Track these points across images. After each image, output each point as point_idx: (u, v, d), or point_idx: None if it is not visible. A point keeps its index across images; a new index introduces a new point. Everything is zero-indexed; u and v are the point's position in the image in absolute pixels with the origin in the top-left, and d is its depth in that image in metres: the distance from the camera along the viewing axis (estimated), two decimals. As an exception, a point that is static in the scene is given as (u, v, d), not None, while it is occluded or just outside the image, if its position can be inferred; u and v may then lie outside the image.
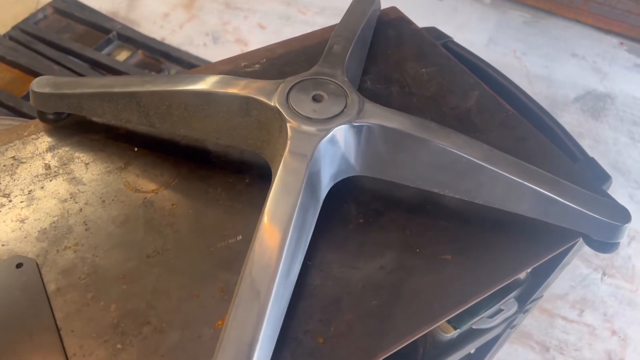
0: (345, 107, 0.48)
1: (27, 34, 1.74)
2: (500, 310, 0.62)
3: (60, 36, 1.75)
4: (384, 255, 0.49)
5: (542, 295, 0.67)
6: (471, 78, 0.66)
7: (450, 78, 0.66)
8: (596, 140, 1.74)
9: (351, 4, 0.67)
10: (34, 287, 0.45)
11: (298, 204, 0.43)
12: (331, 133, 0.47)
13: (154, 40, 1.79)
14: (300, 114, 0.47)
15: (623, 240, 0.53)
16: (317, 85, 0.50)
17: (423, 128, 0.48)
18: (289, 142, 0.46)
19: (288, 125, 0.47)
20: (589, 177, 0.58)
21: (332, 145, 0.47)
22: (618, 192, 1.61)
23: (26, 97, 1.56)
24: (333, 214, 0.51)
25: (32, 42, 1.71)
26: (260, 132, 0.50)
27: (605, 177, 0.59)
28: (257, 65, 0.65)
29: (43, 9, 1.82)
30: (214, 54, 1.82)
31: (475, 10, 2.11)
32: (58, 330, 0.43)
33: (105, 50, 1.76)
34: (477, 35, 2.00)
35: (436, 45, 0.69)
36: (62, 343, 0.42)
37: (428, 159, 0.48)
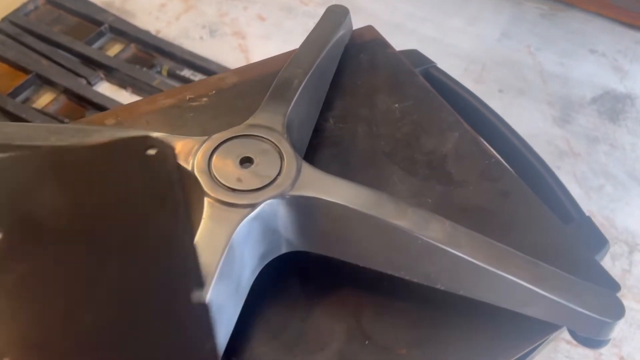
0: (278, 174, 0.40)
1: (16, 26, 1.67)
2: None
3: (50, 29, 1.68)
4: (325, 348, 0.42)
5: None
6: (452, 115, 0.57)
7: (427, 115, 0.57)
8: (613, 145, 1.62)
9: (315, 25, 0.58)
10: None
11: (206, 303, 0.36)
12: (257, 209, 0.38)
13: (147, 33, 1.71)
14: (222, 184, 0.39)
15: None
16: (247, 144, 0.42)
17: (371, 202, 0.40)
18: (202, 220, 0.38)
19: (205, 198, 0.39)
20: (582, 242, 0.49)
21: (260, 222, 0.39)
22: (634, 202, 1.51)
23: (12, 94, 1.49)
24: (268, 293, 0.43)
25: (22, 35, 1.64)
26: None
27: (601, 242, 0.50)
28: (204, 99, 0.57)
29: (34, -1, 1.75)
30: (210, 48, 1.73)
31: (488, 1, 1.98)
32: None
33: (97, 44, 1.68)
34: (488, 28, 1.88)
35: (414, 74, 0.60)
36: None
37: (378, 238, 0.40)
